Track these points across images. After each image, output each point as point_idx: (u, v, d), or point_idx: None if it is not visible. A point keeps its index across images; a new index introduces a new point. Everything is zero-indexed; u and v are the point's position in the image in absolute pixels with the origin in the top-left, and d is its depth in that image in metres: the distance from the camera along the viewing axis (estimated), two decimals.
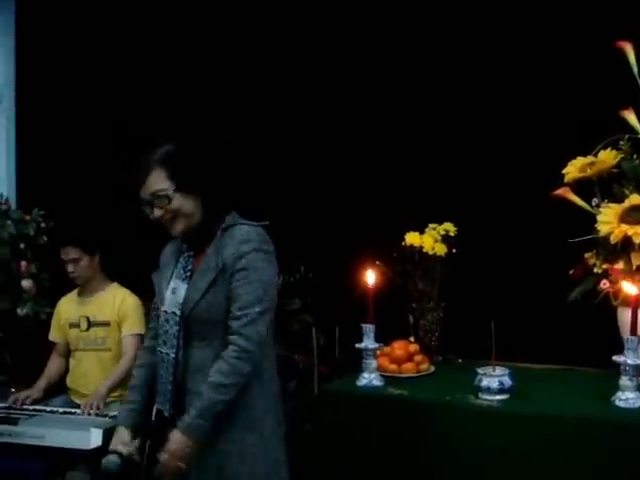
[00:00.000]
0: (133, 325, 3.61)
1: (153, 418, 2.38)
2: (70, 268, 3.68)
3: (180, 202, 2.23)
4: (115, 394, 3.53)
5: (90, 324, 3.69)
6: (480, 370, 2.63)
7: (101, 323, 3.68)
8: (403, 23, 3.68)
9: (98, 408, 3.30)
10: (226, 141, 2.45)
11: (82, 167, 4.46)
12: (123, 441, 2.30)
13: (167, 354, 2.26)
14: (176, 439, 2.15)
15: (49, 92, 4.56)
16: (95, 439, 2.89)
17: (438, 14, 3.60)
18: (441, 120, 3.57)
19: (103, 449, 2.84)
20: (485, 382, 2.59)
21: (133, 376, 2.46)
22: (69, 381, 3.77)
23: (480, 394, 2.61)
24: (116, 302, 3.67)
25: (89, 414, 3.24)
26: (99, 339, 3.68)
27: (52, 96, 4.54)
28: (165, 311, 2.29)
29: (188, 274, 2.28)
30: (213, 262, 2.21)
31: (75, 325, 3.73)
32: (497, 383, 2.58)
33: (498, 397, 2.58)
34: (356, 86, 3.77)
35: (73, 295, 3.82)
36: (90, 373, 3.66)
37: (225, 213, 2.29)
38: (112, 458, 2.25)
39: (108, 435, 2.86)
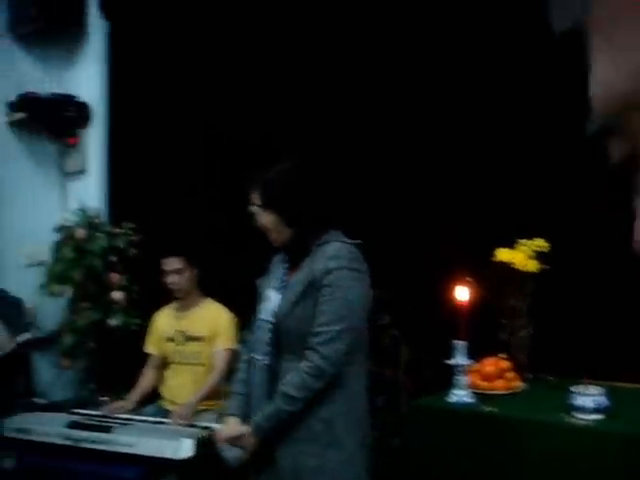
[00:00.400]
0: (226, 340, 3.66)
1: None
2: (171, 279, 3.73)
3: (264, 218, 2.35)
4: (207, 403, 3.59)
5: (186, 339, 3.75)
6: (574, 388, 2.58)
7: (196, 338, 3.74)
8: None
9: (188, 418, 3.36)
10: (316, 164, 2.50)
11: (172, 181, 4.55)
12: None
13: (259, 360, 2.30)
14: (243, 430, 2.25)
15: (140, 105, 4.65)
16: (186, 449, 2.93)
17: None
18: (533, 131, 3.50)
19: (194, 459, 2.90)
20: (579, 401, 2.54)
21: (238, 370, 2.52)
22: (163, 390, 3.84)
23: (574, 413, 2.55)
24: (211, 317, 3.73)
25: (179, 424, 3.29)
26: (195, 354, 3.75)
27: (143, 109, 4.63)
28: (260, 318, 2.35)
29: (283, 285, 2.34)
30: (303, 275, 2.27)
31: (171, 339, 3.81)
32: (592, 402, 2.52)
33: (593, 417, 2.52)
34: (441, 102, 3.74)
35: (170, 309, 3.89)
36: (184, 385, 3.72)
37: (320, 230, 2.33)
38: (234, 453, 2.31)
39: (199, 445, 2.92)
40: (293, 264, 2.37)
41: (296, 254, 2.35)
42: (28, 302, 4.74)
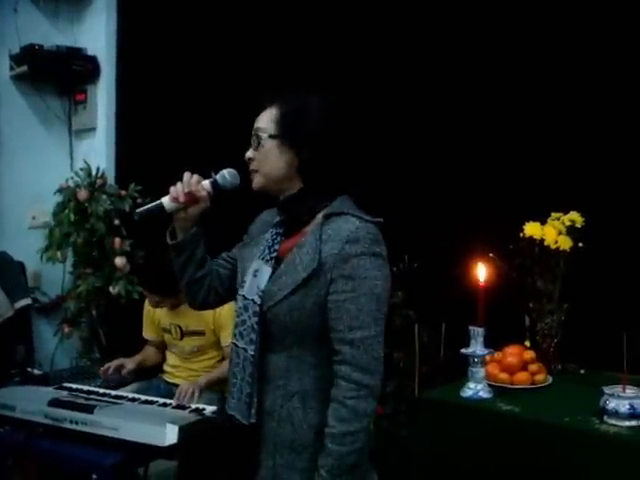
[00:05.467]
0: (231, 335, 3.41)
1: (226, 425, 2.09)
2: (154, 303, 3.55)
3: (270, 151, 1.90)
4: (216, 388, 3.41)
5: (183, 333, 3.54)
6: (607, 390, 2.28)
7: (195, 332, 3.52)
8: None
9: (193, 395, 3.20)
10: (347, 117, 2.12)
11: (182, 143, 4.28)
12: None
13: (244, 350, 1.93)
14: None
15: (149, 67, 4.44)
16: (170, 436, 2.67)
17: None
18: (568, 95, 3.17)
19: (179, 446, 2.66)
20: (613, 404, 2.24)
21: None
22: (166, 366, 3.68)
23: (606, 418, 2.25)
24: (209, 311, 3.39)
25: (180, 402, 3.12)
26: (194, 347, 3.55)
27: (152, 71, 4.42)
28: (244, 296, 1.95)
29: (274, 255, 1.94)
30: (308, 257, 1.84)
31: (168, 331, 3.62)
32: (627, 407, 2.22)
33: (627, 423, 2.22)
34: (468, 77, 3.43)
35: None
36: (187, 370, 3.58)
37: (332, 195, 1.93)
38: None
39: (185, 432, 2.66)
40: (289, 231, 1.96)
41: (297, 217, 1.93)
42: (31, 266, 4.57)
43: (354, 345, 1.78)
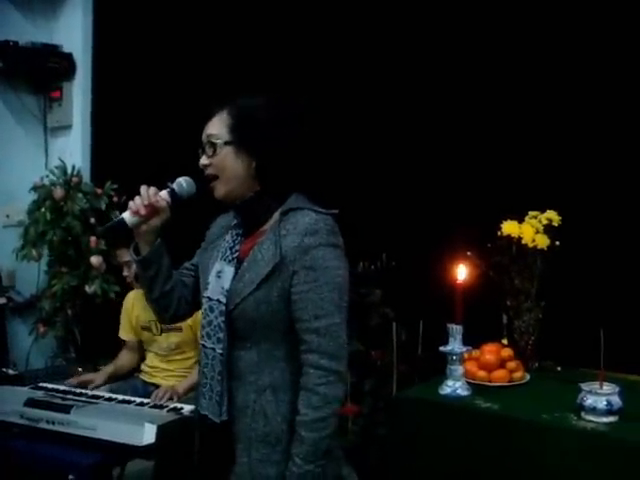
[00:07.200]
0: None
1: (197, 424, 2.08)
2: (126, 271, 3.51)
3: (227, 158, 1.91)
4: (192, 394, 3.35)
5: (162, 330, 3.51)
6: (584, 386, 2.29)
7: (173, 328, 3.47)
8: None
9: (170, 400, 3.16)
10: (301, 112, 2.09)
11: (157, 142, 4.25)
12: None
13: (213, 349, 1.94)
14: None
15: (126, 58, 4.39)
16: (148, 435, 2.65)
17: None
18: (545, 94, 3.18)
19: (157, 446, 2.63)
20: (590, 401, 2.26)
21: None
22: (144, 366, 3.64)
23: (583, 414, 2.27)
24: None
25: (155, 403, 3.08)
26: (172, 344, 3.52)
27: (128, 68, 4.37)
28: (209, 297, 1.97)
29: (235, 255, 1.96)
30: (269, 252, 1.87)
31: (147, 328, 3.58)
32: (605, 403, 2.24)
33: (605, 419, 2.24)
34: (447, 75, 3.44)
35: (140, 294, 3.58)
36: (166, 371, 3.54)
37: (287, 191, 1.95)
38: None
39: (163, 432, 2.64)
40: (248, 231, 1.98)
41: (255, 218, 1.96)
42: (5, 265, 4.51)
43: (320, 333, 1.82)
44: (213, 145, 1.92)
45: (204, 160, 1.94)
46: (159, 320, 2.22)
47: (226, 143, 1.91)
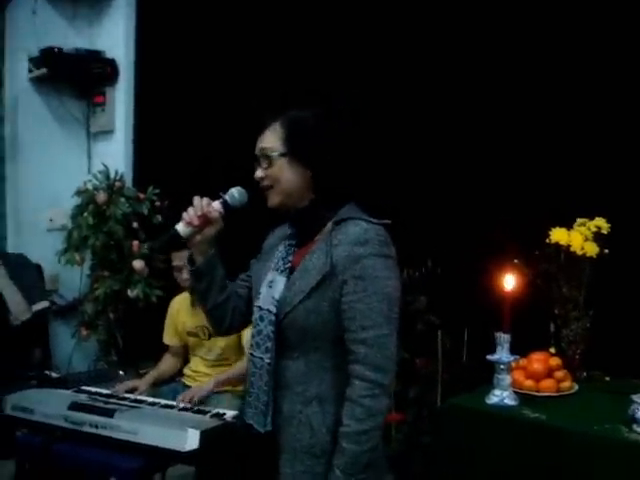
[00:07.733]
0: None
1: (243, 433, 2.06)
2: (185, 275, 3.45)
3: (282, 170, 1.91)
4: (230, 386, 3.38)
5: (211, 334, 3.49)
6: (636, 398, 2.22)
7: None
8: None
9: (191, 401, 3.16)
10: (355, 123, 2.08)
11: (199, 147, 4.28)
12: None
13: (261, 359, 1.93)
14: None
15: (168, 69, 4.42)
16: (192, 441, 2.64)
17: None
18: (595, 101, 3.11)
19: (200, 451, 2.62)
20: None
21: None
22: (187, 369, 3.64)
23: (635, 427, 2.20)
24: None
25: (183, 406, 3.09)
26: (218, 348, 3.52)
27: (171, 73, 4.40)
28: (259, 307, 1.96)
29: (287, 266, 1.95)
30: (320, 261, 1.85)
31: (194, 334, 3.58)
32: None
33: None
34: (489, 77, 3.39)
35: (187, 300, 3.60)
36: (208, 375, 3.53)
37: (340, 203, 1.94)
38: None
39: (206, 438, 2.63)
40: (302, 242, 1.98)
41: (308, 228, 1.96)
42: (49, 269, 4.56)
43: (367, 344, 1.79)
44: (268, 157, 1.92)
45: (259, 173, 1.94)
46: (215, 333, 2.22)
47: (281, 155, 1.91)
